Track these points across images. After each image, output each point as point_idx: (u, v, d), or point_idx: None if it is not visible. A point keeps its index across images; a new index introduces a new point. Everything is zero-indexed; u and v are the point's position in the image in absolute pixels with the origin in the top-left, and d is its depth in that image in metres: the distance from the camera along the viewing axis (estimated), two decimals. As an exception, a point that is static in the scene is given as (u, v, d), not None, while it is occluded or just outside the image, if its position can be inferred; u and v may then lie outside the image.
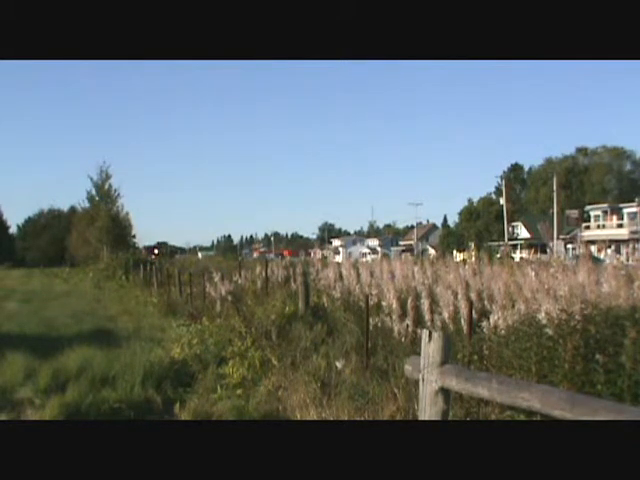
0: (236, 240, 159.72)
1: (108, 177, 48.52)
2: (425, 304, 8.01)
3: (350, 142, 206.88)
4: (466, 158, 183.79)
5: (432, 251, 68.14)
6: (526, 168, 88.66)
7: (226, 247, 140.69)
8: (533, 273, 7.70)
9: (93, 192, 49.33)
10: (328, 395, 6.17)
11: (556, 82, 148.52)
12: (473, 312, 6.49)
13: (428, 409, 3.25)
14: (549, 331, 5.15)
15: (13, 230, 76.05)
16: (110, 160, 74.03)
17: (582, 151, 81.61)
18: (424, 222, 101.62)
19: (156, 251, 69.20)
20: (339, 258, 48.36)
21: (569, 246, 55.66)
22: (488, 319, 6.44)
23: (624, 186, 74.41)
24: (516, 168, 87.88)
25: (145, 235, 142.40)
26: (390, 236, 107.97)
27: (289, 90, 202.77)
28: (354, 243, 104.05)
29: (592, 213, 61.30)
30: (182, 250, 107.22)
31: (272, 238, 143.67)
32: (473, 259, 16.23)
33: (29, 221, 76.47)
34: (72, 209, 63.83)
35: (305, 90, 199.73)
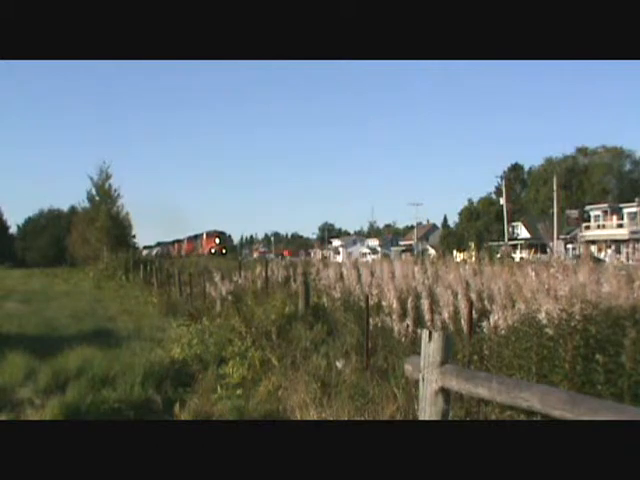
0: (236, 240, 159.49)
1: (108, 177, 48.41)
2: (425, 304, 8.00)
3: (350, 142, 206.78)
4: (466, 158, 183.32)
5: (432, 251, 68.09)
6: (526, 168, 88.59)
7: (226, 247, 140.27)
8: (533, 273, 7.70)
9: (93, 192, 49.27)
10: (328, 395, 6.17)
11: (556, 82, 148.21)
12: (473, 312, 6.49)
13: (428, 409, 3.25)
14: (549, 331, 5.14)
15: (13, 230, 76.13)
16: (109, 160, 73.62)
17: (582, 151, 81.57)
18: (424, 222, 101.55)
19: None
20: (339, 258, 48.21)
21: (569, 246, 55.71)
22: (488, 319, 6.45)
23: (624, 186, 74.37)
24: (516, 168, 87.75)
25: (144, 234, 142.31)
26: (390, 236, 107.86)
27: (289, 90, 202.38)
28: (354, 243, 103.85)
29: (592, 213, 61.30)
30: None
31: (272, 238, 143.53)
32: (473, 259, 16.23)
33: (29, 221, 76.44)
34: (72, 209, 63.69)
35: (305, 90, 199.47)
